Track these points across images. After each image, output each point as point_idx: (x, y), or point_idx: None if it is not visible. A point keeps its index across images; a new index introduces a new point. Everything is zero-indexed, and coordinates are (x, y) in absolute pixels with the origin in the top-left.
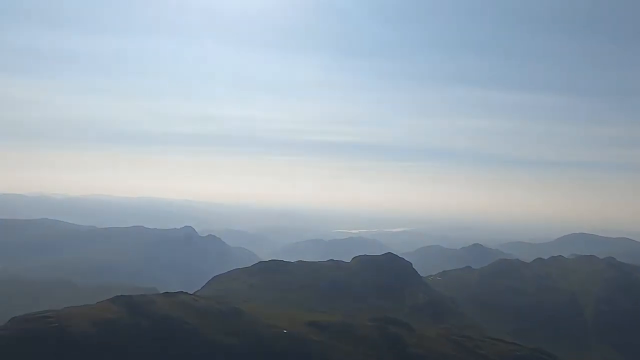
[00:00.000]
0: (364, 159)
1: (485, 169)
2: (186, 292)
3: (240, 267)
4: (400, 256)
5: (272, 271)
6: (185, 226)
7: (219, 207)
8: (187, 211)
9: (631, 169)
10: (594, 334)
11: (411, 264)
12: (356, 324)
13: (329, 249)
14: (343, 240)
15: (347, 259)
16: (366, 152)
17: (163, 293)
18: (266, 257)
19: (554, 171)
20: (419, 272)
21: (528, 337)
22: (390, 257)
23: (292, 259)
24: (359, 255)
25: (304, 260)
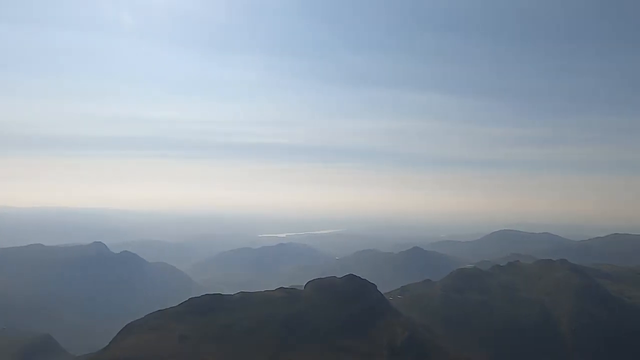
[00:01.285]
0: (286, 160)
1: (406, 169)
2: None
3: (165, 308)
4: (355, 274)
5: (208, 311)
6: (95, 242)
7: (134, 215)
8: (97, 222)
9: (546, 167)
10: (574, 350)
11: (375, 285)
12: None
13: (260, 258)
14: (273, 247)
15: (281, 267)
16: (288, 154)
17: None
18: (191, 271)
19: (474, 170)
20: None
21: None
22: (351, 279)
23: (220, 270)
24: (315, 280)
25: (234, 272)
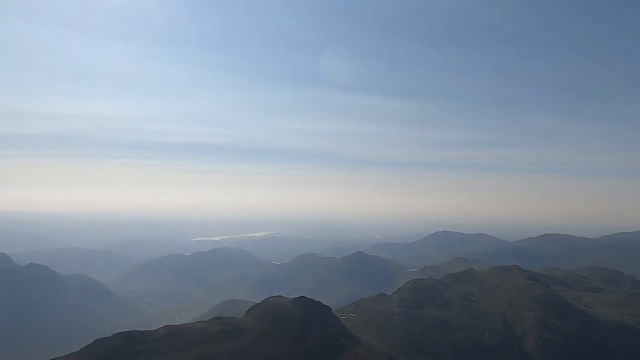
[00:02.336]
0: (216, 161)
1: (341, 170)
2: None
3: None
4: (306, 297)
5: (120, 358)
6: None
7: (49, 219)
8: (3, 229)
9: (479, 169)
10: None
11: (330, 308)
12: None
13: (192, 265)
14: (206, 252)
15: (215, 275)
16: (219, 154)
17: None
18: (115, 282)
19: (409, 171)
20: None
21: None
22: (302, 303)
23: (149, 279)
24: (258, 305)
25: (163, 280)
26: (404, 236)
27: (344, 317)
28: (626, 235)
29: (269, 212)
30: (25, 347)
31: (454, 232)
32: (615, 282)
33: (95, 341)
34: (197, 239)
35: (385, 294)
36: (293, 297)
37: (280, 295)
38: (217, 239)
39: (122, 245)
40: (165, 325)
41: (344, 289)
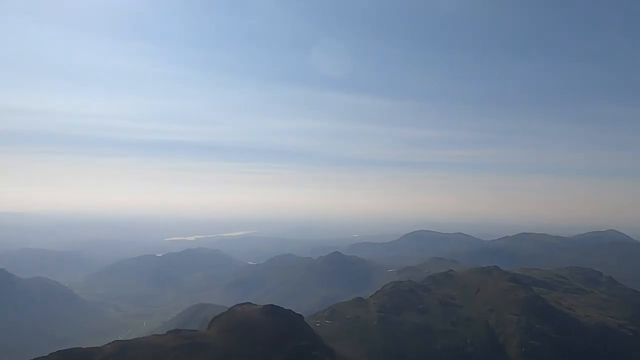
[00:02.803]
0: (195, 159)
1: (323, 169)
2: None
3: None
4: (275, 305)
5: None
6: None
7: (14, 219)
8: None
9: (456, 168)
10: None
11: (302, 316)
12: None
13: (163, 267)
14: (179, 253)
15: (187, 277)
16: (199, 152)
17: None
18: (82, 285)
19: (389, 171)
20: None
21: None
22: (272, 313)
23: (117, 282)
24: (223, 315)
25: (132, 283)
26: (382, 235)
27: (318, 325)
28: (599, 235)
29: (250, 212)
30: None
31: (431, 232)
32: (594, 282)
33: None
34: (172, 238)
35: (362, 298)
36: (267, 300)
37: (249, 303)
38: (192, 238)
39: (94, 246)
40: (115, 341)
41: (321, 290)
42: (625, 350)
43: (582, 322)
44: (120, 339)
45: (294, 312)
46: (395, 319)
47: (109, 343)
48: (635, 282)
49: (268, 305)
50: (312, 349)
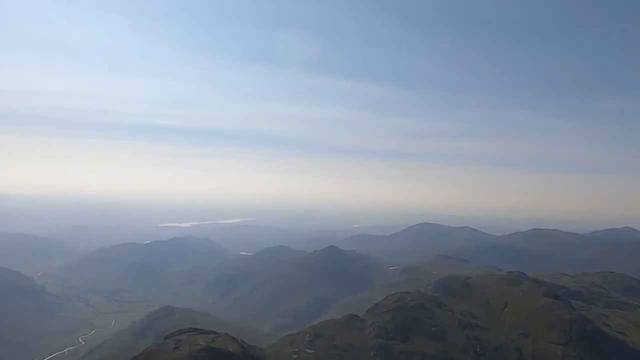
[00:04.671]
0: (195, 144)
1: (322, 158)
2: None
3: None
4: (229, 334)
5: None
6: None
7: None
8: None
9: (461, 160)
10: None
11: (263, 350)
12: None
13: (145, 256)
14: (164, 242)
15: (170, 268)
16: (197, 137)
17: None
18: (55, 275)
19: (391, 161)
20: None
21: None
22: (218, 357)
23: (92, 272)
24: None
25: (108, 274)
26: (381, 227)
27: (295, 357)
28: (615, 232)
29: (250, 199)
30: None
31: (435, 224)
32: (633, 292)
33: None
34: (165, 224)
35: (357, 316)
36: (252, 299)
37: (195, 329)
38: (187, 225)
39: (81, 231)
40: None
41: (313, 290)
42: None
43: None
44: (80, 341)
45: (247, 346)
46: (400, 348)
47: None
48: None
49: (210, 348)
50: None
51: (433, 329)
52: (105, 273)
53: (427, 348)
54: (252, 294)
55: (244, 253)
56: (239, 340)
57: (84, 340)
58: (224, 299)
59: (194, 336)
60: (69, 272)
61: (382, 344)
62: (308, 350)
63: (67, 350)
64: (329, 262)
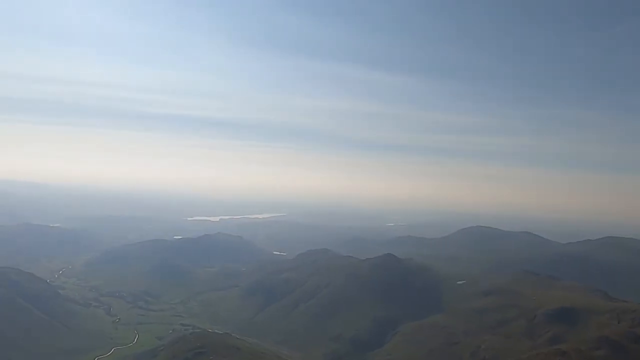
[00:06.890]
0: (226, 137)
1: (350, 152)
2: None
3: None
4: None
5: None
6: None
7: (29, 189)
8: None
9: (496, 158)
10: None
11: None
12: None
13: (172, 255)
14: (194, 240)
15: (199, 269)
16: (227, 130)
17: None
18: (71, 276)
19: (426, 156)
20: None
21: None
22: None
23: (115, 272)
24: None
25: (132, 275)
26: (418, 226)
27: None
28: None
29: (277, 193)
30: None
31: (490, 228)
32: None
33: None
34: (194, 218)
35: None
36: (297, 316)
37: None
38: (216, 219)
39: (101, 223)
40: None
41: (370, 308)
42: None
43: None
44: None
45: None
46: None
47: None
48: None
49: None
50: None
51: None
52: (130, 272)
53: None
54: (296, 309)
55: (277, 253)
56: None
57: None
58: (264, 313)
59: None
60: (92, 270)
61: None
62: None
63: None
64: (387, 274)
